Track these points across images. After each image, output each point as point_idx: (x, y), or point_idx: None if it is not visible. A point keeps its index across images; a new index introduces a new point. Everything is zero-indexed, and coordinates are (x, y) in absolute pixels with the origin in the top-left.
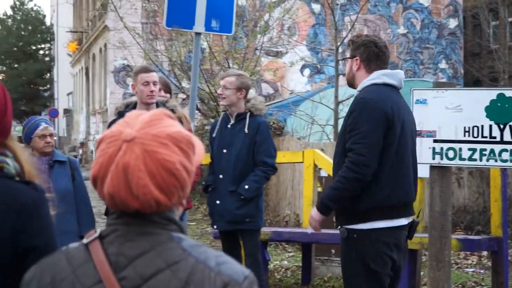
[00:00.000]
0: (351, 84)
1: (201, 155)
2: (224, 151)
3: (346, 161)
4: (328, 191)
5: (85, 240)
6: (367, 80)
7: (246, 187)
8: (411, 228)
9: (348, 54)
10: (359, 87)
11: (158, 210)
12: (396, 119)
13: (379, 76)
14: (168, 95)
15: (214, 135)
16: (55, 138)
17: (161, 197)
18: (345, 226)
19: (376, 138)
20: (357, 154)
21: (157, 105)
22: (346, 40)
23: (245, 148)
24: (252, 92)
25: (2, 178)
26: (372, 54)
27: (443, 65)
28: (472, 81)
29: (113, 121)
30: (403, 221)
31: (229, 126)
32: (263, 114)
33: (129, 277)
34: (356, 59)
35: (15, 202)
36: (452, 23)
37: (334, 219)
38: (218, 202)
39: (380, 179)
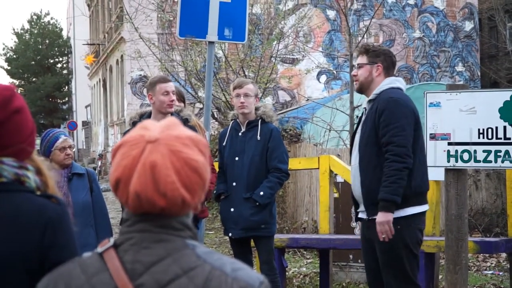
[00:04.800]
0: (365, 88)
1: (210, 161)
2: (236, 158)
3: (388, 155)
4: (385, 188)
5: (99, 249)
6: (384, 84)
7: (261, 193)
8: None
9: (360, 60)
10: (377, 91)
11: (181, 210)
12: (419, 116)
13: (393, 81)
14: (182, 104)
15: (224, 143)
16: (73, 149)
17: (187, 195)
18: None
19: (410, 131)
20: (398, 146)
21: (172, 115)
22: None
23: (257, 155)
24: (268, 100)
25: (24, 193)
26: (391, 62)
27: (459, 68)
28: (489, 83)
29: (128, 131)
30: (426, 207)
31: (240, 134)
32: (274, 120)
33: (146, 284)
34: (378, 66)
35: (40, 216)
36: (468, 25)
37: (356, 212)
38: (232, 209)
39: (412, 169)
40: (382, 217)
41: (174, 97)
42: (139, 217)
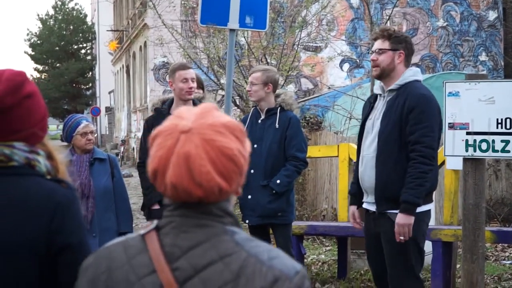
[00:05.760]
0: (385, 75)
1: (249, 145)
2: (255, 146)
3: (416, 155)
4: (411, 190)
5: (142, 231)
6: (408, 76)
7: (278, 181)
8: None
9: (382, 45)
10: (400, 81)
11: (220, 197)
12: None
13: (416, 73)
14: (201, 90)
15: (246, 127)
16: (95, 135)
17: (223, 183)
18: (395, 211)
19: (438, 132)
20: (426, 147)
21: (194, 102)
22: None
23: (275, 143)
24: (290, 87)
25: (34, 176)
26: (411, 50)
27: (483, 57)
28: None
29: (150, 118)
30: (433, 203)
31: (259, 121)
32: (293, 109)
33: (182, 267)
34: (401, 53)
35: (49, 200)
36: (492, 15)
37: (371, 204)
38: (249, 196)
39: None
40: (404, 219)
41: (193, 84)
42: (181, 203)
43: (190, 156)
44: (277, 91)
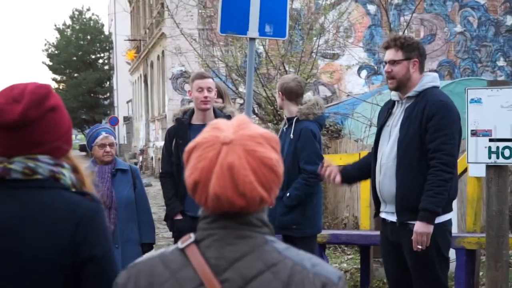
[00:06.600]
0: (402, 86)
1: None
2: None
3: (436, 163)
4: (431, 198)
5: (180, 245)
6: (426, 82)
7: (288, 194)
8: None
9: (395, 55)
10: (418, 88)
11: (259, 207)
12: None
13: (434, 79)
14: (220, 99)
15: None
16: (115, 147)
17: (264, 193)
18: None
19: (458, 139)
20: (447, 154)
21: (215, 111)
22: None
23: (290, 154)
24: (309, 95)
25: (59, 189)
26: (424, 55)
27: (501, 62)
28: None
29: (171, 128)
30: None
31: (284, 129)
32: (311, 118)
33: (231, 279)
34: (415, 61)
35: (73, 213)
36: (509, 20)
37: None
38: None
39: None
40: (422, 228)
41: (208, 94)
42: (220, 215)
43: (234, 167)
44: (305, 99)
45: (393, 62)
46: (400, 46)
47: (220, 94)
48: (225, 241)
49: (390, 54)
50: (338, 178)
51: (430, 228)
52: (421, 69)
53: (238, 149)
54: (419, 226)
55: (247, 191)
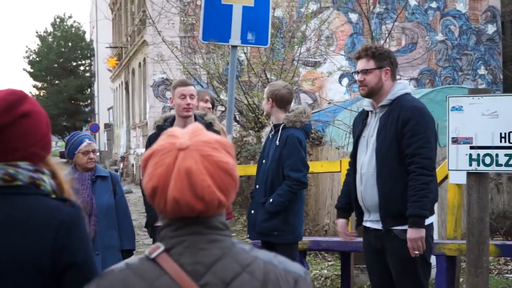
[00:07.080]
0: (374, 94)
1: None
2: (263, 161)
3: (415, 168)
4: (416, 203)
5: (150, 255)
6: (398, 90)
7: (270, 200)
8: None
9: (366, 65)
10: (391, 96)
11: (218, 211)
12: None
13: (406, 86)
14: (211, 108)
15: (263, 144)
16: (97, 153)
17: (222, 196)
18: (400, 227)
19: (434, 142)
20: (424, 158)
21: (196, 118)
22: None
23: (275, 161)
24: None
25: (39, 195)
26: (395, 64)
27: (482, 71)
28: None
29: (153, 135)
30: (435, 215)
31: (270, 136)
32: (297, 126)
33: (211, 283)
34: (387, 70)
35: (53, 219)
36: (491, 28)
37: (360, 220)
38: (252, 212)
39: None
40: (415, 234)
41: (190, 101)
42: (184, 222)
43: (191, 171)
44: (292, 106)
45: (365, 72)
46: (371, 56)
47: (212, 103)
48: (198, 247)
49: (362, 64)
50: (353, 232)
51: (422, 232)
52: (393, 77)
53: (194, 154)
54: (411, 233)
55: (205, 195)
